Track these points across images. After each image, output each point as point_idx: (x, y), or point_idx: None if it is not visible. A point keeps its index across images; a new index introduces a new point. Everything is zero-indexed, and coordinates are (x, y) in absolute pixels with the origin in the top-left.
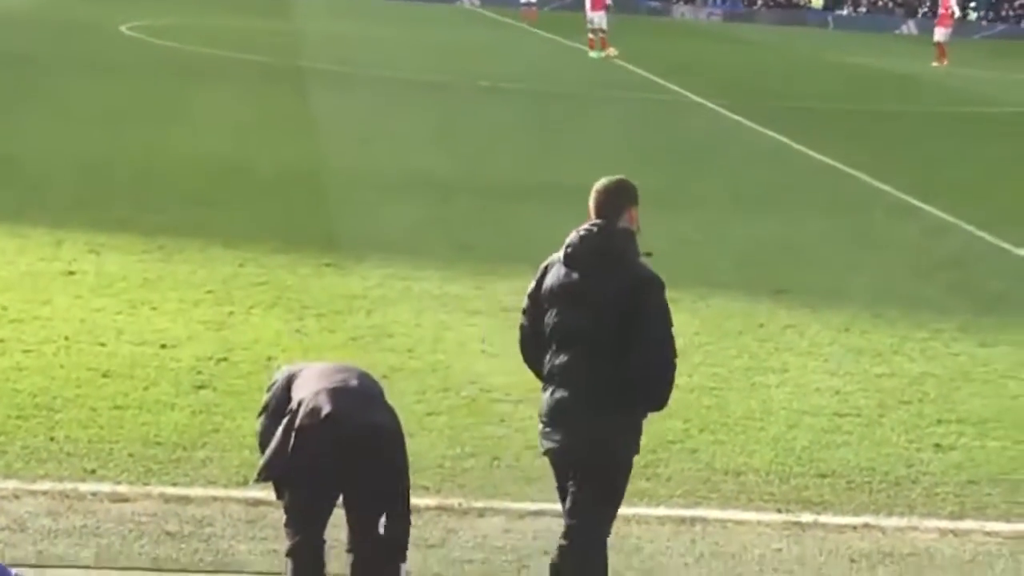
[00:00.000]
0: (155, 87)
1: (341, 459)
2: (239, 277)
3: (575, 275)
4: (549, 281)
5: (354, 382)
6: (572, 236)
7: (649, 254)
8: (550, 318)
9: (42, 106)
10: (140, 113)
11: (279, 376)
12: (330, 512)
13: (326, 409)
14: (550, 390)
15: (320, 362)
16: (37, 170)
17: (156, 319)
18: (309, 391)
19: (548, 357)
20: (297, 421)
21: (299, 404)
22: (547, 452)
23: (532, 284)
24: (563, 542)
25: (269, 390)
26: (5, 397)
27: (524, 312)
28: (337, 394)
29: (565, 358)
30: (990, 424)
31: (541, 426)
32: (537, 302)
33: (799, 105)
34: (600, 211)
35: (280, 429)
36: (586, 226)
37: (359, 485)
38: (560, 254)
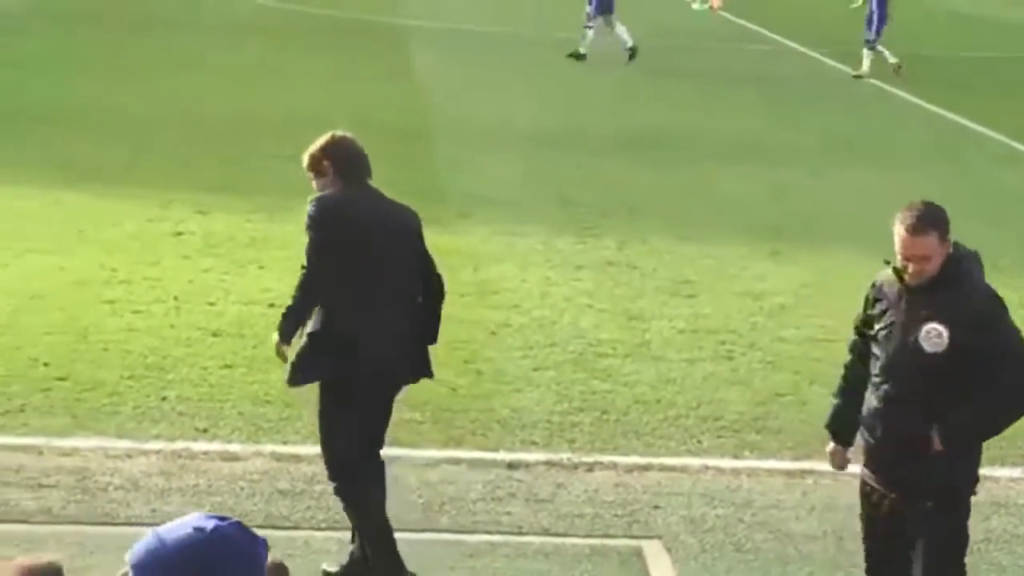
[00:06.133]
0: (269, 49)
1: (388, 396)
2: None
3: None
4: None
5: (400, 327)
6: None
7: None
8: None
9: (165, 67)
10: (248, 73)
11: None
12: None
13: (370, 366)
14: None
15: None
16: (147, 131)
17: (263, 278)
18: (359, 332)
19: None
20: (340, 370)
21: (341, 345)
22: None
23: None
24: None
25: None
26: (117, 358)
27: None
28: (381, 346)
29: None
30: None
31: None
32: None
33: (901, 52)
34: None
35: (324, 358)
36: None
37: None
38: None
